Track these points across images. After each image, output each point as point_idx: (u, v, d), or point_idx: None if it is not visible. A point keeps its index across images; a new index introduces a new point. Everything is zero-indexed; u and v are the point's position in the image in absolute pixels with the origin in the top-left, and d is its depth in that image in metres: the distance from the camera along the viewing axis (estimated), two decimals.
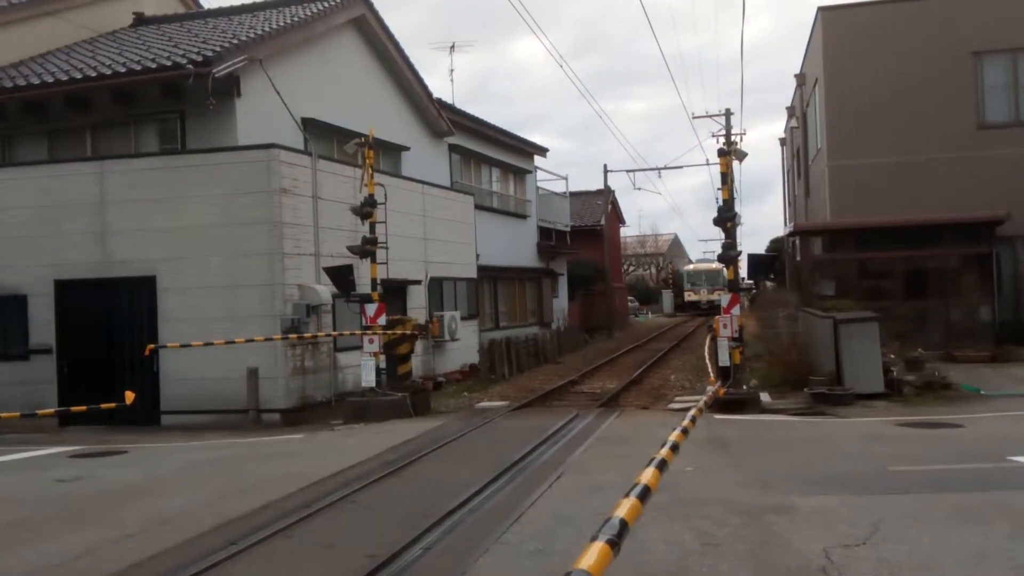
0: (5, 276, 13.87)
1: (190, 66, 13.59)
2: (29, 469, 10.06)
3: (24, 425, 12.63)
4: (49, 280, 13.75)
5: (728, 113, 32.50)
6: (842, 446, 9.41)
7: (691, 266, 62.47)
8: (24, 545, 6.42)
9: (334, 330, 13.81)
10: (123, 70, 14.33)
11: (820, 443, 9.68)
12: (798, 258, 20.94)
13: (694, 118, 45.99)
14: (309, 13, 17.03)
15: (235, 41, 14.70)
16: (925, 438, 9.69)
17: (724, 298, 12.74)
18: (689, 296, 58.18)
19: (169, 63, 14.04)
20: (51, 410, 11.53)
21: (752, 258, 13.91)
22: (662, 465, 3.59)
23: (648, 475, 3.20)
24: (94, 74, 14.44)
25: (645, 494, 2.98)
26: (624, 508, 2.71)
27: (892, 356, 13.54)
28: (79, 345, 13.72)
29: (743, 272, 15.12)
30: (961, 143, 18.41)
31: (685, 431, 4.89)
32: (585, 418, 12.06)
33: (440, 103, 21.28)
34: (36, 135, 15.62)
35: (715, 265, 51.40)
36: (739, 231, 28.52)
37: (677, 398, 14.32)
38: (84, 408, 9.95)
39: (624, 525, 2.56)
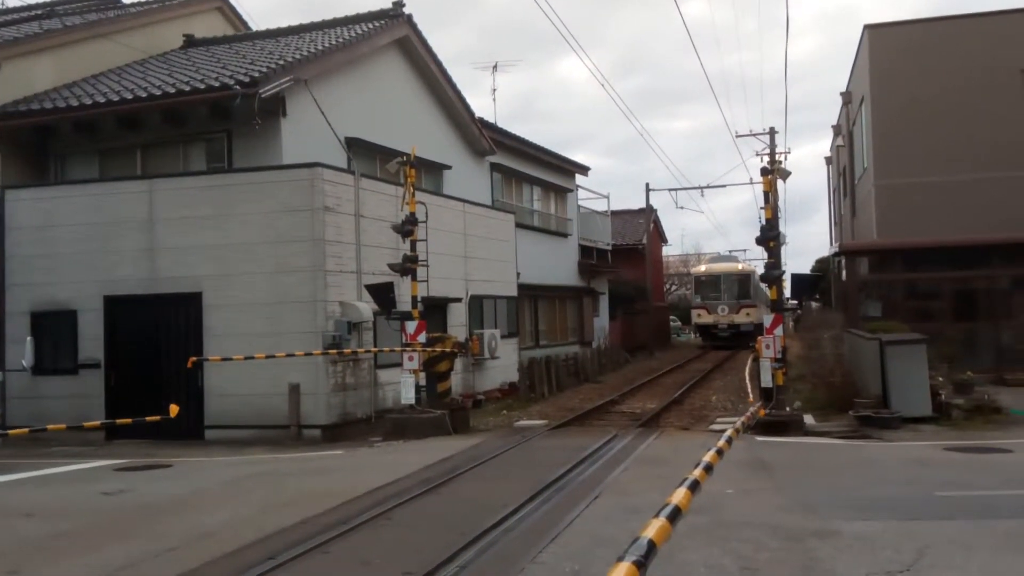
0: (56, 292, 14.24)
1: (237, 87, 13.89)
2: (75, 482, 10.27)
3: (72, 438, 12.94)
4: (99, 296, 14.08)
5: (772, 132, 32.16)
6: (888, 470, 9.19)
7: (702, 268, 39.74)
8: (68, 557, 6.55)
9: (375, 347, 13.91)
10: (173, 91, 14.69)
11: (865, 467, 9.47)
12: (844, 278, 20.61)
13: (738, 137, 44.73)
14: (354, 34, 17.32)
15: (281, 62, 15.00)
16: (974, 463, 9.43)
17: (767, 319, 12.52)
18: (700, 317, 37.04)
19: (217, 84, 14.37)
20: (97, 423, 11.76)
21: (796, 278, 13.71)
22: (694, 486, 3.54)
23: (679, 496, 3.16)
24: (145, 95, 14.83)
25: (675, 515, 2.94)
26: (653, 529, 2.68)
27: (940, 379, 13.21)
28: (126, 360, 14.01)
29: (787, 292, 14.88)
30: (1011, 162, 18.00)
31: (720, 452, 4.82)
32: (624, 438, 11.95)
33: (482, 122, 21.43)
34: (88, 154, 16.07)
35: (740, 266, 38.43)
36: (784, 251, 27.76)
37: (719, 419, 14.12)
38: (130, 421, 10.17)
39: (652, 546, 2.52)
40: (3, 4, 23.20)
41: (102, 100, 15.06)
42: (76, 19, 18.76)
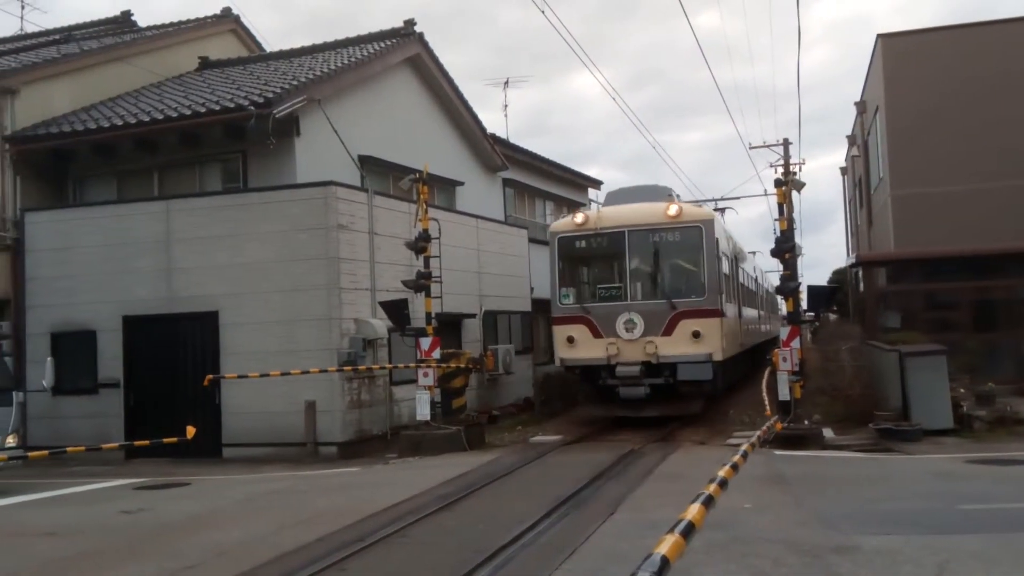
0: (76, 312, 14.37)
1: (252, 107, 14.03)
2: (95, 501, 10.32)
3: (91, 458, 13.01)
4: (117, 316, 14.20)
5: (786, 143, 32.00)
6: (908, 484, 9.08)
7: (578, 217, 14.94)
8: None
9: (389, 364, 13.93)
10: (188, 112, 14.86)
11: (885, 480, 9.36)
12: (861, 289, 20.45)
13: (751, 148, 44.02)
14: (366, 53, 17.46)
15: (295, 82, 15.13)
16: (997, 475, 9.30)
17: (784, 331, 12.38)
18: (571, 344, 14.41)
19: (232, 105, 14.52)
20: (115, 444, 11.83)
21: (812, 289, 13.64)
22: (708, 501, 3.51)
23: (693, 511, 3.13)
24: (161, 116, 15.00)
25: (689, 531, 2.92)
26: (666, 545, 2.66)
27: (961, 390, 13.07)
28: (145, 379, 14.10)
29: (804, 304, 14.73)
30: None
31: (735, 467, 4.78)
32: (640, 453, 11.88)
33: (494, 138, 21.50)
34: (106, 176, 16.26)
35: (673, 209, 14.33)
36: (800, 262, 26.88)
37: (736, 433, 14.00)
38: (148, 443, 10.25)
39: (665, 562, 2.50)
40: (22, 29, 23.57)
41: (119, 123, 15.24)
42: (93, 43, 19.04)
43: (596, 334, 14.15)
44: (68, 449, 9.44)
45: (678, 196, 15.47)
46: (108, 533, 8.23)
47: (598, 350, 14.06)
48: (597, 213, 14.88)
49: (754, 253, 26.80)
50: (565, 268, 15.17)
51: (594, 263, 15.65)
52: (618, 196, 15.72)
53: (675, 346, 13.82)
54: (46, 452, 9.49)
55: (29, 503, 10.31)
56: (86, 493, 10.88)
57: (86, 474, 12.43)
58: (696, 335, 13.77)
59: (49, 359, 13.97)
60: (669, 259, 14.63)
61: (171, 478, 11.59)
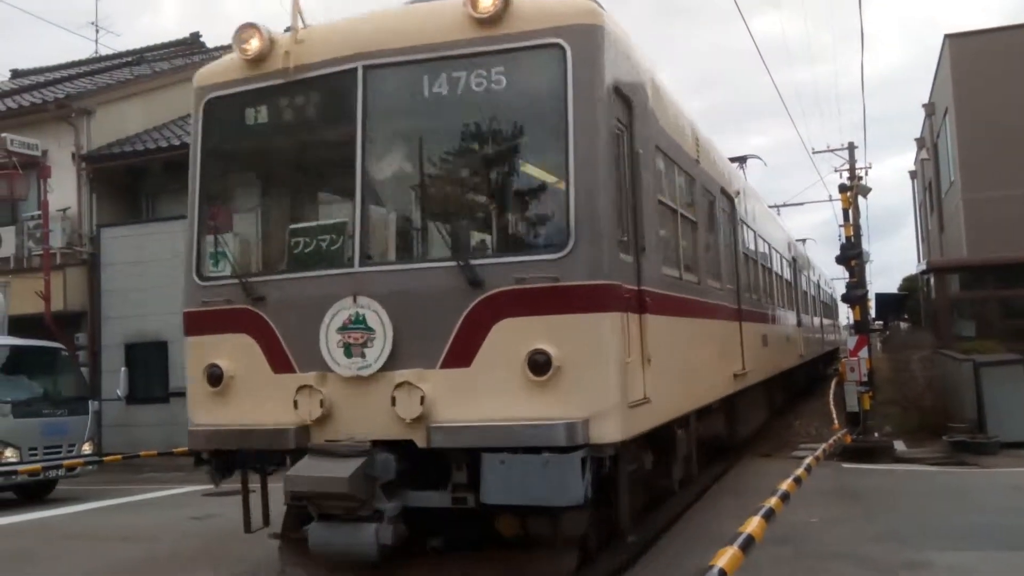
0: (148, 324, 14.85)
1: None
2: (166, 507, 10.62)
3: (163, 464, 13.41)
4: None
5: (851, 147, 31.28)
6: (984, 498, 8.75)
7: (242, 54, 5.80)
8: None
9: None
10: None
11: (959, 495, 9.04)
12: (933, 297, 19.85)
13: (814, 153, 42.93)
14: None
15: None
16: None
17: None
18: (209, 391, 5.77)
19: None
20: (185, 448, 12.16)
21: (881, 297, 13.35)
22: (769, 515, 3.44)
23: (753, 524, 3.08)
24: None
25: (748, 544, 2.86)
26: (724, 558, 2.62)
27: None
28: None
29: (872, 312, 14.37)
30: None
31: (798, 480, 4.67)
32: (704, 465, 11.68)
33: None
34: (176, 191, 16.72)
35: (482, 1, 5.03)
36: (868, 269, 26.05)
37: (801, 445, 13.69)
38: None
39: (723, 575, 2.46)
40: (96, 52, 24.54)
41: (188, 141, 15.72)
42: (164, 65, 19.72)
43: (278, 361, 5.61)
44: (141, 453, 9.76)
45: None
46: (179, 538, 8.46)
47: (277, 406, 5.52)
48: (295, 35, 5.75)
49: (803, 241, 21.75)
50: (217, 185, 6.66)
51: (285, 168, 6.59)
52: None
53: (481, 394, 5.03)
54: (119, 457, 9.83)
55: (104, 508, 10.67)
56: (158, 499, 11.20)
57: (157, 480, 12.79)
58: (540, 364, 4.85)
59: (123, 369, 14.47)
60: (476, 147, 5.58)
61: (237, 485, 11.82)
